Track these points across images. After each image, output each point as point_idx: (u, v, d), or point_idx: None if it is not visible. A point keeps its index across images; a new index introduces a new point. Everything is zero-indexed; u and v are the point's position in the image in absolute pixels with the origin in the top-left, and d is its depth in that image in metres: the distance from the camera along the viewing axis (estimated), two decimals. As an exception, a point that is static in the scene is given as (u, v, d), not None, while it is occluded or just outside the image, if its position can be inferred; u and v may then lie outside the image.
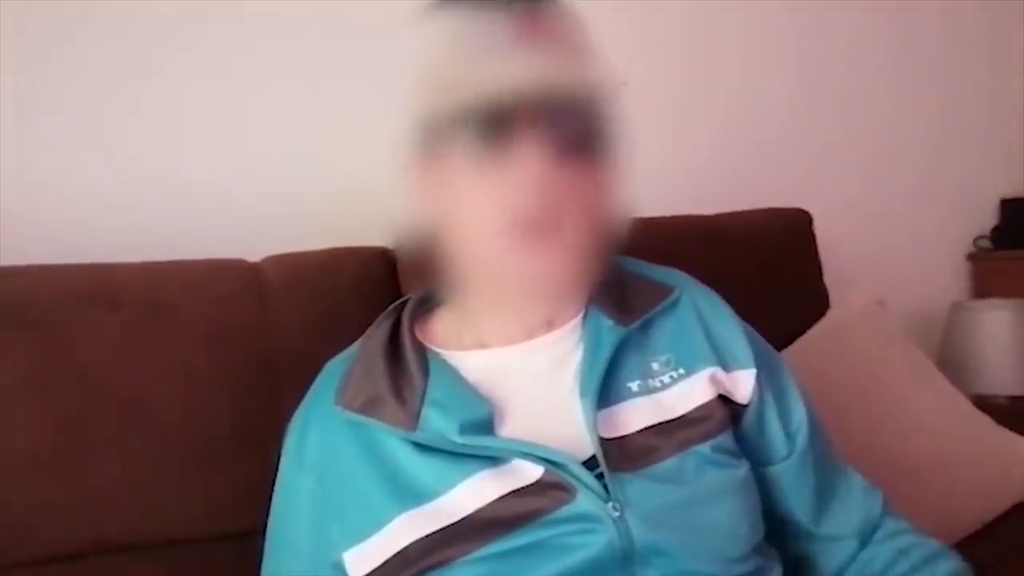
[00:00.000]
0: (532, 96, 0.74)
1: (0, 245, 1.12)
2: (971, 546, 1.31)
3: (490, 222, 0.76)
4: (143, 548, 1.00)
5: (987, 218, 2.15)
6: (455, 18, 0.77)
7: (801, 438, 0.91)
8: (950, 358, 1.88)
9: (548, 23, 0.77)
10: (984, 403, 1.66)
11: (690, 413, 0.84)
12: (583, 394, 0.81)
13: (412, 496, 0.78)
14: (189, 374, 1.03)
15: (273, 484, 0.89)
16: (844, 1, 1.93)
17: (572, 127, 0.76)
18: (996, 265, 2.10)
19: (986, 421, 1.40)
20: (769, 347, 0.95)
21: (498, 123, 0.75)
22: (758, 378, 0.89)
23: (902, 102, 2.03)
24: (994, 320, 1.86)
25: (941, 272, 2.11)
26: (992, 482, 1.33)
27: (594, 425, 0.79)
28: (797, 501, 0.91)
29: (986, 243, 2.13)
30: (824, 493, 0.92)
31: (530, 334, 0.85)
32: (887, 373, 1.38)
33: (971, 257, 2.15)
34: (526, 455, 0.78)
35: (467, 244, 0.79)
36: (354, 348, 0.89)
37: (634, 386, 0.84)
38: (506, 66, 0.74)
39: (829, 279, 1.57)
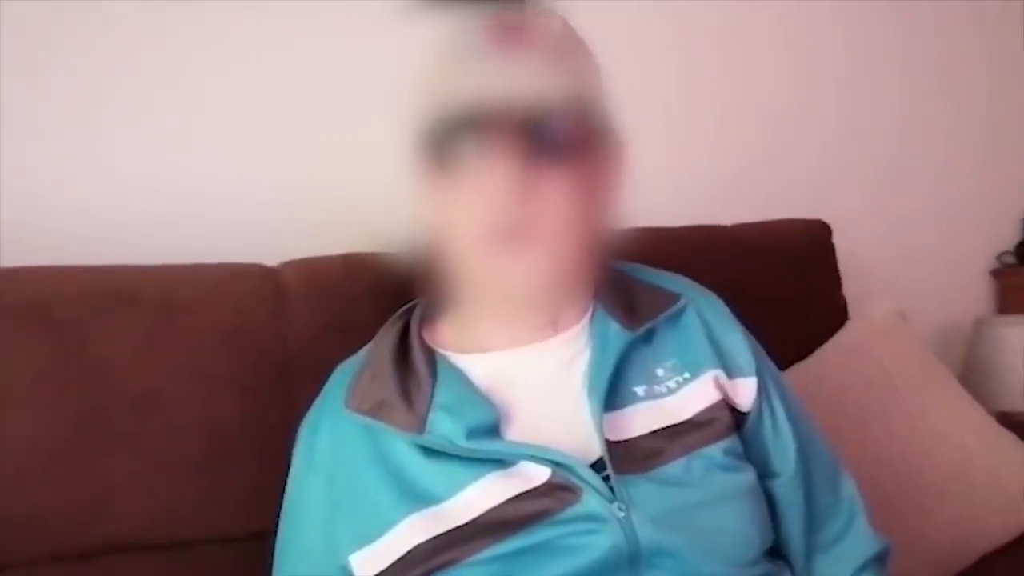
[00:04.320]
0: (507, 105, 0.74)
1: (22, 246, 1.13)
2: (991, 565, 1.30)
3: (470, 229, 0.78)
4: (154, 548, 1.00)
5: (1011, 234, 2.12)
6: (442, 25, 0.78)
7: (789, 466, 0.90)
8: (973, 374, 1.85)
9: (532, 32, 0.77)
10: (1007, 420, 1.63)
11: (696, 417, 0.84)
12: (590, 397, 0.81)
13: (420, 499, 0.78)
14: (204, 375, 1.03)
15: (285, 487, 0.89)
16: (867, 12, 1.92)
17: (550, 135, 0.76)
18: (1020, 281, 2.07)
19: (1008, 437, 1.38)
20: (771, 363, 0.94)
21: (475, 131, 0.75)
22: (759, 388, 0.89)
23: (927, 116, 2.00)
24: (1018, 336, 1.83)
25: (964, 288, 2.09)
26: (1013, 499, 1.31)
27: (600, 428, 0.79)
28: (788, 527, 0.90)
29: (1010, 259, 2.11)
30: (814, 528, 0.91)
31: (536, 338, 0.85)
32: (906, 385, 1.36)
33: (995, 273, 2.12)
34: (532, 457, 0.78)
35: (454, 251, 0.80)
36: (363, 352, 0.90)
37: (640, 391, 0.84)
38: (482, 75, 0.75)
39: (849, 295, 1.56)
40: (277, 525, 0.89)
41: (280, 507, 0.89)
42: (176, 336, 1.03)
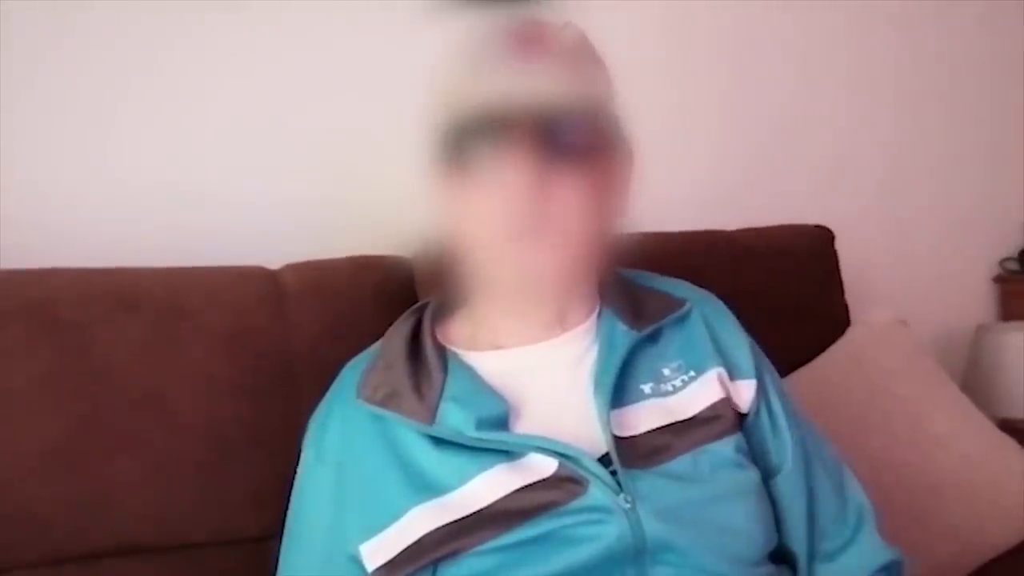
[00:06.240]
0: (524, 109, 0.77)
1: (24, 248, 1.13)
2: (991, 572, 1.30)
3: (488, 225, 0.80)
4: (155, 550, 1.00)
5: (1014, 240, 2.13)
6: (459, 32, 0.81)
7: (787, 460, 0.90)
8: (975, 381, 1.85)
9: (550, 40, 0.80)
10: (1009, 427, 1.63)
11: (701, 413, 0.85)
12: (597, 392, 0.83)
13: (428, 489, 0.80)
14: (207, 377, 1.04)
15: (288, 489, 0.89)
16: (867, 18, 1.92)
17: (564, 139, 0.79)
18: (1023, 288, 2.07)
19: (1009, 443, 1.38)
20: (770, 365, 0.96)
21: (493, 134, 0.78)
22: (758, 389, 0.90)
23: (930, 122, 2.01)
24: (1020, 343, 1.83)
25: (967, 294, 2.09)
26: (1014, 506, 1.31)
27: (607, 423, 0.81)
28: (791, 529, 0.90)
29: (1013, 265, 2.11)
30: (819, 536, 0.91)
31: (544, 335, 0.87)
32: (908, 391, 1.37)
33: (998, 279, 2.12)
34: (540, 449, 0.80)
35: (470, 248, 0.82)
36: (374, 347, 0.92)
37: (647, 388, 0.86)
38: (502, 80, 0.78)
39: (851, 301, 1.56)
40: (280, 528, 0.89)
41: (284, 509, 0.89)
42: (178, 338, 1.04)
